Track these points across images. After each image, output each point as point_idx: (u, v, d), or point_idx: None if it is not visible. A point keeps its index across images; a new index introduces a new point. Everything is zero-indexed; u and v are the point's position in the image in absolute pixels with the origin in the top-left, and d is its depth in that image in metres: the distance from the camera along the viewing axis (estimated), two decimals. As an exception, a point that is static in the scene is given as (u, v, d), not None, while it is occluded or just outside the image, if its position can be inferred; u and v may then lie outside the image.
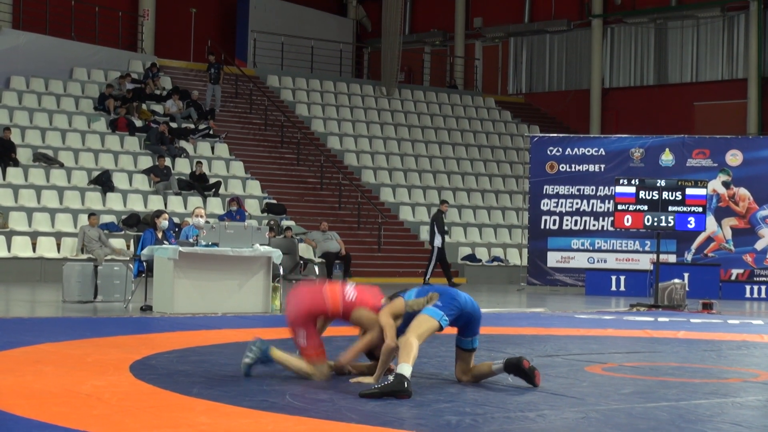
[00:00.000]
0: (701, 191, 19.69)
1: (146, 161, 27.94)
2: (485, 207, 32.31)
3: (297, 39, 37.60)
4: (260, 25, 37.98)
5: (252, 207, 27.88)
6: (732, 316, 17.53)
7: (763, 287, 23.62)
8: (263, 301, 15.55)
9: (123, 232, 24.81)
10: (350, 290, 8.69)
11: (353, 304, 8.61)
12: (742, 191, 24.40)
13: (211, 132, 30.73)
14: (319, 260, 25.73)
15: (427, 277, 24.89)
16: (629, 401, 7.71)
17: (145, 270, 15.90)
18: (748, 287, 23.70)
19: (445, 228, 25.82)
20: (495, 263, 29.27)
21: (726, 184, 24.52)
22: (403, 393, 7.48)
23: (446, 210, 26.25)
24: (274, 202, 28.61)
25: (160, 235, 16.43)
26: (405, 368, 7.62)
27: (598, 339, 12.79)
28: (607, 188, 24.68)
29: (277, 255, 15.64)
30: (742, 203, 24.41)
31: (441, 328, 8.15)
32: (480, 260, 29.30)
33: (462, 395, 7.75)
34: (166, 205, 26.30)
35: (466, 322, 8.42)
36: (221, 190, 27.96)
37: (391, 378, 7.62)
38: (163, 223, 16.53)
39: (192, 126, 30.60)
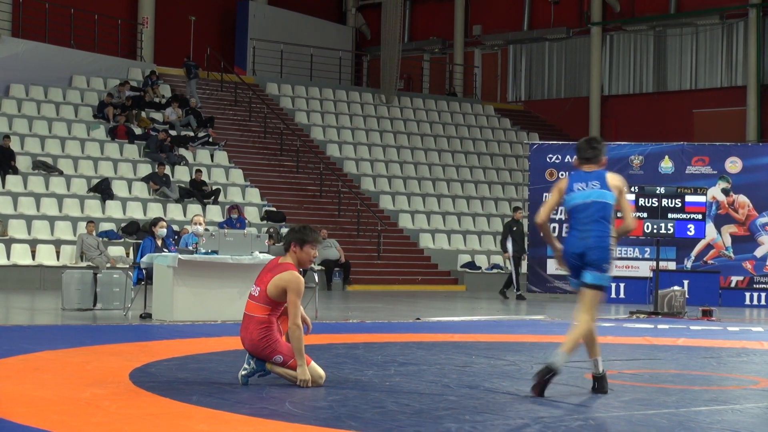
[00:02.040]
0: (701, 198, 19.70)
1: (145, 169, 27.94)
2: (485, 214, 32.31)
3: (296, 47, 37.63)
4: (259, 32, 38.00)
5: (251, 215, 27.89)
6: (732, 324, 17.52)
7: (763, 294, 23.61)
8: (263, 309, 15.51)
9: (122, 240, 24.81)
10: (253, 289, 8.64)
11: (262, 291, 8.49)
12: (742, 198, 24.39)
13: (210, 140, 30.74)
14: (319, 268, 25.75)
15: (515, 288, 24.46)
16: (629, 408, 7.70)
17: (144, 278, 15.89)
18: (747, 294, 23.69)
19: (524, 235, 24.85)
20: (494, 270, 29.26)
21: (725, 192, 24.52)
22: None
23: (520, 218, 25.01)
24: (274, 209, 28.61)
25: (159, 242, 16.42)
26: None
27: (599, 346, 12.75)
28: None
29: (276, 262, 15.61)
30: (742, 210, 24.40)
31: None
32: (479, 267, 29.29)
33: (461, 402, 7.75)
34: (165, 213, 26.30)
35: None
36: (220, 198, 27.97)
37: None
38: (161, 231, 16.52)
39: (191, 134, 30.61)
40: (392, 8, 37.11)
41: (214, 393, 7.93)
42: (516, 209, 25.32)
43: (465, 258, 29.46)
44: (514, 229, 24.44)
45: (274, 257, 9.01)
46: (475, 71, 42.42)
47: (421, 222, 30.92)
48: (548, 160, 25.65)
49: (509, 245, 24.33)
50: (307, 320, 8.83)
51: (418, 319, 16.95)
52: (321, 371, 8.53)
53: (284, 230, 26.90)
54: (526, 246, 24.74)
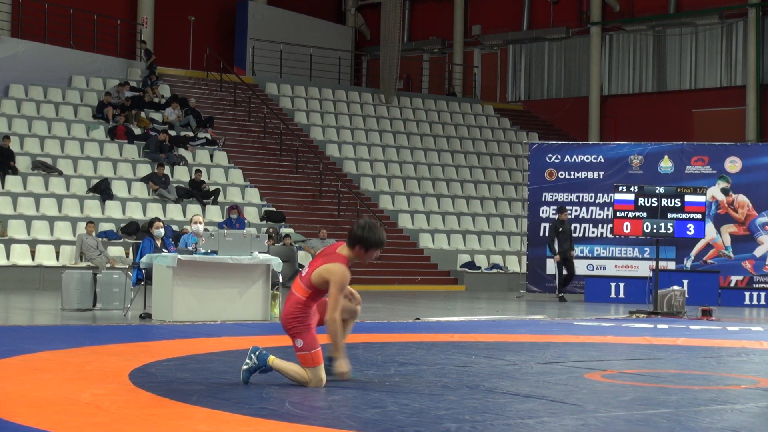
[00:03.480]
0: (700, 198, 19.71)
1: (145, 169, 27.94)
2: (484, 214, 32.32)
3: (295, 47, 37.64)
4: (259, 33, 38.01)
5: (251, 215, 27.89)
6: (731, 323, 17.52)
7: (763, 294, 23.61)
8: (262, 309, 15.54)
9: (122, 240, 24.81)
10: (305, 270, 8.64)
11: (308, 272, 8.50)
12: (741, 198, 24.40)
13: (209, 138, 30.74)
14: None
15: (558, 291, 24.24)
16: (629, 408, 7.70)
17: (144, 278, 15.89)
18: (747, 294, 23.69)
19: (570, 234, 24.24)
20: (494, 270, 29.27)
21: (725, 191, 24.53)
22: None
23: (566, 218, 24.23)
24: (273, 209, 28.61)
25: (159, 243, 16.42)
26: None
27: (597, 346, 12.79)
28: (606, 195, 24.68)
29: (276, 263, 15.64)
30: (741, 210, 24.41)
31: None
32: (479, 267, 29.29)
33: (461, 402, 7.74)
34: (164, 213, 26.31)
35: None
36: (220, 198, 27.97)
37: None
38: (158, 231, 16.51)
39: (191, 134, 30.60)
40: (392, 8, 37.11)
41: (214, 393, 7.93)
42: (561, 210, 24.44)
43: (465, 258, 29.46)
44: (560, 229, 24.08)
45: (333, 243, 9.01)
46: (475, 71, 42.43)
47: (420, 222, 30.92)
48: (548, 159, 25.66)
49: (556, 246, 24.04)
50: (355, 295, 8.89)
51: (418, 319, 16.95)
52: (324, 377, 8.42)
53: (284, 230, 26.92)
54: (572, 244, 24.28)
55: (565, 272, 24.01)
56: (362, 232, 8.62)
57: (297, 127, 33.75)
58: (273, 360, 8.52)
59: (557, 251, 23.86)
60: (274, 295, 15.74)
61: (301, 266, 18.44)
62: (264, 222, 27.79)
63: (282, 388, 8.28)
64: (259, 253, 15.43)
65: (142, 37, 34.83)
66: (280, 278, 16.01)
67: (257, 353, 8.53)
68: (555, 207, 25.19)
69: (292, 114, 34.52)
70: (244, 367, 8.52)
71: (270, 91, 35.39)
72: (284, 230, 27.06)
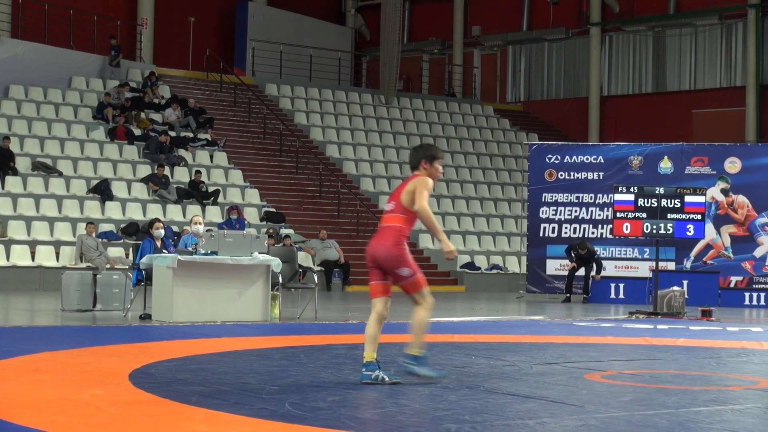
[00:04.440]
0: (700, 199, 19.71)
1: (145, 170, 27.95)
2: (484, 215, 32.32)
3: (295, 48, 37.64)
4: (259, 33, 38.01)
5: (251, 215, 27.89)
6: (731, 324, 17.52)
7: (762, 294, 23.61)
8: (262, 310, 15.54)
9: (122, 241, 24.81)
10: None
11: (396, 204, 8.88)
12: (741, 199, 24.40)
13: (209, 138, 30.75)
14: (318, 268, 25.75)
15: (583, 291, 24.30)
16: (628, 409, 7.70)
17: (144, 279, 15.89)
18: (747, 294, 23.69)
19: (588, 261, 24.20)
20: (494, 271, 29.27)
21: (725, 192, 24.53)
22: None
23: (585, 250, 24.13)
24: (273, 210, 28.62)
25: (158, 243, 16.42)
26: None
27: (597, 346, 12.79)
28: (605, 196, 24.67)
29: (276, 263, 15.64)
30: (741, 211, 24.40)
31: None
32: (479, 268, 29.30)
33: (461, 403, 7.75)
34: (164, 214, 26.31)
35: None
36: (220, 199, 27.97)
37: None
38: (158, 232, 16.51)
39: (190, 135, 30.61)
40: (391, 9, 37.11)
41: (214, 394, 7.93)
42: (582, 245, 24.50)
43: (464, 258, 29.47)
44: (576, 253, 24.11)
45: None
46: (475, 72, 42.43)
47: (420, 223, 30.84)
48: (547, 160, 25.66)
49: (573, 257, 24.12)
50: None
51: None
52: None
53: (284, 231, 26.92)
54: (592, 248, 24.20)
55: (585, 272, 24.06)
56: (421, 150, 9.06)
57: (297, 127, 33.76)
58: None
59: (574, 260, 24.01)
60: (274, 295, 15.74)
61: (301, 266, 18.42)
62: (264, 223, 27.80)
63: (282, 389, 8.28)
64: (259, 253, 15.43)
65: (142, 37, 34.85)
66: (280, 279, 16.01)
67: (380, 373, 8.64)
68: (554, 208, 25.24)
69: (292, 115, 34.53)
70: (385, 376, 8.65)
71: (270, 92, 35.39)
72: (284, 231, 27.06)
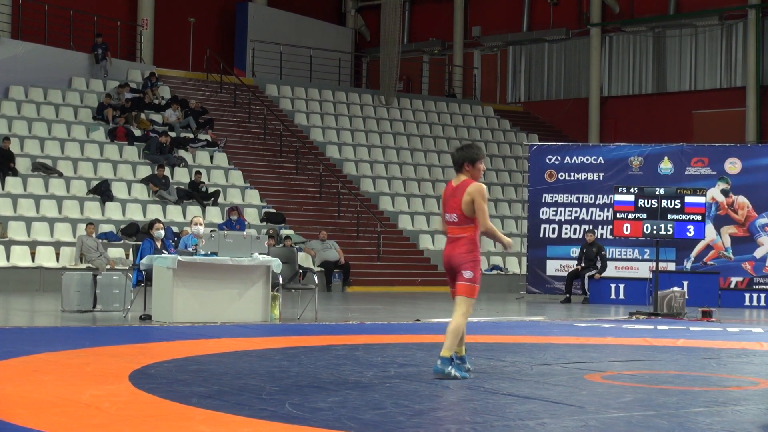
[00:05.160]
0: (700, 199, 19.71)
1: (145, 171, 27.95)
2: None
3: (296, 48, 37.65)
4: (259, 34, 38.02)
5: (251, 216, 27.89)
6: (731, 324, 17.52)
7: (763, 295, 23.60)
8: (262, 310, 15.54)
9: (122, 242, 24.81)
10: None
11: (459, 216, 9.22)
12: (741, 199, 24.40)
13: (209, 139, 30.75)
14: (318, 269, 25.75)
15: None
16: (629, 409, 7.70)
17: (144, 279, 15.89)
18: (747, 295, 23.67)
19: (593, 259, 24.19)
20: (494, 272, 29.27)
21: (725, 192, 24.53)
22: None
23: (592, 240, 24.20)
24: (273, 211, 28.62)
25: (159, 244, 16.42)
26: None
27: (597, 347, 12.79)
28: (605, 196, 24.68)
29: (276, 264, 15.64)
30: (741, 211, 24.40)
31: None
32: (479, 269, 29.26)
33: (462, 404, 7.75)
34: (164, 214, 26.31)
35: None
36: (220, 200, 27.97)
37: None
38: (158, 233, 16.51)
39: (191, 135, 30.61)
40: (391, 9, 37.12)
41: (214, 394, 7.93)
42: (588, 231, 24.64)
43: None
44: (584, 251, 24.14)
45: (449, 182, 9.53)
46: (475, 72, 42.44)
47: (420, 223, 30.92)
48: (548, 161, 25.66)
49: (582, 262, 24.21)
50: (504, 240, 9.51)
51: (418, 320, 16.95)
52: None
53: (284, 231, 26.92)
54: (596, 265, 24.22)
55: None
56: (463, 151, 9.38)
57: (297, 128, 33.76)
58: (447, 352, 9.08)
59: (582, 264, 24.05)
60: (274, 296, 15.74)
61: (301, 267, 18.41)
62: (264, 223, 27.80)
63: (283, 390, 8.28)
64: (259, 254, 15.43)
65: (142, 38, 34.87)
66: (280, 279, 16.00)
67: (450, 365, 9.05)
68: (554, 209, 25.26)
69: (292, 115, 34.53)
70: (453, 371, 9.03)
71: (270, 93, 35.40)
72: (284, 231, 27.06)
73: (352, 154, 33.48)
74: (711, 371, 10.45)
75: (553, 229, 25.46)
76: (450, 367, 9.04)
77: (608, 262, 24.39)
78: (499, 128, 38.58)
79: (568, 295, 23.92)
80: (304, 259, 25.29)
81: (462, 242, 9.20)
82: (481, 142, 36.70)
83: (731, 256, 24.47)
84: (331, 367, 9.78)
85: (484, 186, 9.21)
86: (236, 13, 39.25)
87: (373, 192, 31.73)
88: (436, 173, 33.84)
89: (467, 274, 9.13)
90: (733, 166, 24.67)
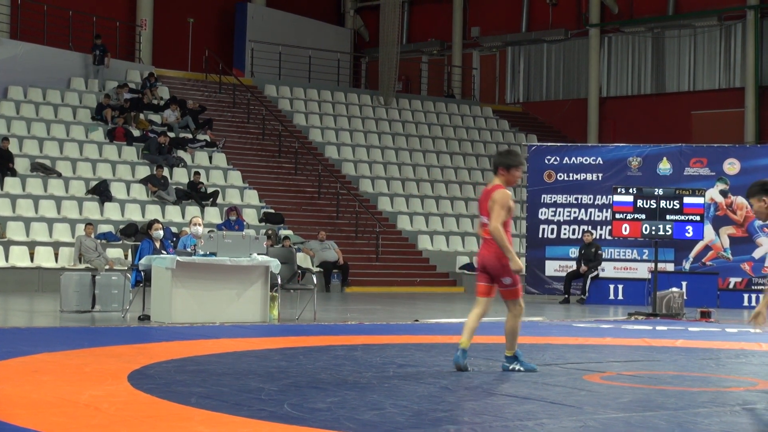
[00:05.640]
0: (699, 200, 19.71)
1: (144, 171, 27.95)
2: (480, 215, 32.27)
3: (295, 49, 37.64)
4: (258, 34, 38.02)
5: (250, 216, 27.89)
6: (730, 325, 17.53)
7: (761, 296, 23.56)
8: (261, 311, 15.54)
9: (121, 242, 24.81)
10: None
11: (488, 217, 9.73)
12: (740, 200, 24.38)
13: (208, 140, 30.75)
14: (317, 269, 25.75)
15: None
16: (627, 410, 7.71)
17: (143, 280, 15.89)
18: (746, 296, 23.67)
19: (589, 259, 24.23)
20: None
21: (724, 193, 24.53)
22: None
23: (589, 241, 24.29)
24: (272, 211, 28.62)
25: (157, 244, 16.42)
26: None
27: (596, 348, 12.80)
28: (604, 197, 24.67)
29: (275, 264, 15.64)
30: (740, 212, 24.40)
31: None
32: (474, 269, 29.26)
33: (460, 404, 7.75)
34: (163, 215, 26.31)
35: None
36: (219, 200, 27.97)
37: None
38: (157, 233, 16.52)
39: (189, 135, 30.61)
40: (390, 10, 37.11)
41: (213, 395, 7.93)
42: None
43: (463, 259, 29.46)
44: (583, 251, 24.22)
45: (486, 186, 10.04)
46: (474, 73, 42.44)
47: (419, 224, 30.93)
48: (546, 161, 25.66)
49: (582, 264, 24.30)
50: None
51: (417, 320, 16.96)
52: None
53: (282, 232, 26.92)
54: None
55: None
56: (500, 157, 10.00)
57: (296, 128, 33.76)
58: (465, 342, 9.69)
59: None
60: (272, 296, 15.74)
61: (300, 268, 18.42)
62: (263, 224, 27.80)
63: (281, 389, 8.28)
64: (258, 254, 15.44)
65: (141, 38, 34.87)
66: (279, 280, 16.00)
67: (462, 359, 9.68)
68: (553, 209, 25.27)
69: (291, 116, 34.53)
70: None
71: (269, 93, 35.40)
72: (283, 232, 27.06)
73: (351, 154, 33.48)
74: (710, 372, 10.46)
75: (552, 229, 25.46)
76: (514, 363, 9.79)
77: (607, 263, 24.40)
78: (498, 129, 38.58)
79: (566, 296, 23.93)
80: (302, 260, 25.29)
81: (493, 244, 9.65)
82: (479, 143, 36.72)
83: (730, 256, 24.47)
84: (330, 368, 9.79)
85: (510, 193, 9.72)
86: (235, 14, 39.26)
87: (371, 192, 31.73)
88: (434, 174, 33.84)
89: (506, 280, 9.69)
90: (731, 166, 24.67)
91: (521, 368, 9.74)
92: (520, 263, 9.66)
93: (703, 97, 37.24)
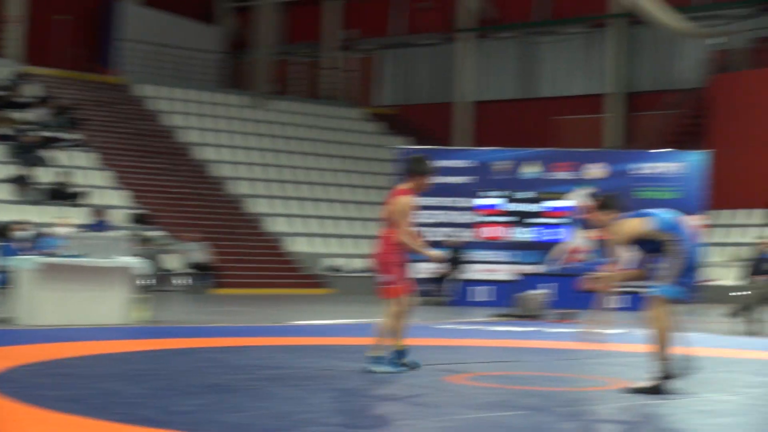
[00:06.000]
0: (563, 203, 20.10)
1: (11, 171, 27.39)
2: (352, 218, 32.46)
3: (168, 48, 37.27)
4: (131, 33, 37.52)
5: (118, 217, 27.54)
6: (590, 326, 17.84)
7: (623, 297, 24.09)
8: (126, 313, 15.39)
9: (-16, 242, 24.30)
10: None
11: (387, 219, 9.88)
12: (603, 204, 24.89)
13: (79, 139, 30.29)
14: (185, 271, 25.58)
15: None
16: (488, 410, 7.85)
17: (5, 281, 15.60)
18: (609, 297, 24.12)
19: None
20: (359, 274, 29.39)
21: (587, 197, 24.99)
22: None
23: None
24: (141, 212, 28.33)
25: (21, 245, 16.16)
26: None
27: (460, 349, 12.97)
28: (472, 200, 24.99)
29: (141, 266, 15.52)
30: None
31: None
32: (345, 271, 29.40)
33: (323, 406, 7.80)
34: (30, 215, 25.82)
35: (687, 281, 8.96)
36: (87, 200, 27.58)
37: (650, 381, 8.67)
38: (19, 233, 16.26)
39: (60, 135, 30.10)
40: (265, 11, 37.01)
41: (76, 398, 7.86)
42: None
43: (330, 261, 29.57)
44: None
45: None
46: (347, 75, 42.55)
47: (287, 225, 30.92)
48: (416, 164, 25.82)
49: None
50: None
51: (283, 322, 16.98)
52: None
53: (150, 233, 26.66)
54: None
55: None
56: (413, 163, 10.13)
57: (167, 129, 33.45)
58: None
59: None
60: (138, 298, 15.62)
61: (167, 269, 18.31)
62: (131, 224, 27.49)
63: (144, 392, 8.24)
64: (124, 256, 15.30)
65: (11, 35, 34.13)
66: (146, 281, 15.87)
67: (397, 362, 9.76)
68: (422, 211, 25.49)
69: (163, 116, 34.19)
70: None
71: (141, 93, 34.97)
72: (151, 233, 26.81)
73: (222, 155, 33.31)
74: (570, 372, 10.72)
75: (419, 232, 25.65)
76: (386, 365, 9.75)
77: (472, 265, 24.71)
78: (369, 131, 38.76)
79: (431, 298, 24.15)
80: (170, 261, 25.10)
81: (384, 242, 9.87)
82: (352, 145, 36.82)
83: (593, 259, 24.97)
84: (194, 370, 9.77)
85: (410, 200, 9.84)
86: (108, 12, 38.65)
87: (242, 194, 31.62)
88: (306, 176, 33.86)
89: (385, 279, 9.82)
90: (594, 171, 25.22)
91: (392, 369, 9.74)
92: (437, 254, 10.18)
93: (569, 103, 37.99)
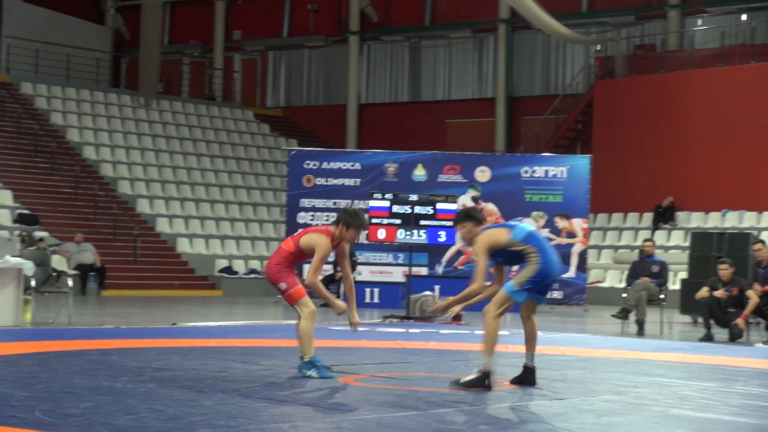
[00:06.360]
0: (452, 206, 20.30)
1: None
2: (243, 219, 32.37)
3: (52, 46, 36.73)
4: (13, 30, 36.90)
5: (3, 217, 27.09)
6: (479, 327, 18.07)
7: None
8: (13, 315, 15.15)
9: None
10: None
11: (299, 235, 9.95)
12: (490, 206, 25.28)
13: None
14: (73, 272, 25.23)
15: None
16: (380, 411, 7.93)
17: None
18: (495, 299, 24.44)
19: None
20: (252, 276, 29.36)
21: (475, 200, 25.36)
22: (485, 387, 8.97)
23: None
24: (27, 212, 27.88)
25: None
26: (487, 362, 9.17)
27: (351, 350, 13.04)
28: (362, 202, 25.11)
29: (28, 267, 15.29)
30: (490, 218, 25.25)
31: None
32: (237, 272, 29.32)
33: (216, 408, 7.81)
34: None
35: (541, 288, 9.40)
36: (-31, 200, 27.07)
37: (474, 374, 9.11)
38: None
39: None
40: (152, 10, 36.67)
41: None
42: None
43: (222, 263, 29.45)
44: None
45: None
46: (235, 76, 42.44)
47: (178, 226, 30.71)
48: (305, 166, 25.93)
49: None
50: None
51: (175, 324, 16.89)
52: (312, 303, 9.99)
53: (37, 234, 26.26)
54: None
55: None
56: (345, 214, 10.13)
57: (53, 128, 32.98)
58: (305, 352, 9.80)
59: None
60: (26, 300, 15.39)
61: (55, 270, 18.04)
62: (17, 225, 27.04)
63: (32, 395, 8.16)
64: (11, 257, 15.06)
65: None
66: (33, 283, 15.65)
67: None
68: (312, 213, 25.54)
69: (47, 114, 33.69)
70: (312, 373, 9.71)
71: (25, 91, 34.42)
72: (38, 233, 26.38)
73: (110, 155, 32.95)
74: (459, 372, 10.84)
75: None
76: (311, 370, 9.80)
77: (363, 267, 24.83)
78: (258, 132, 38.68)
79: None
80: (58, 262, 24.73)
81: (279, 254, 9.94)
82: (240, 146, 36.70)
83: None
84: (84, 373, 9.68)
85: (330, 248, 10.04)
86: (-11, 8, 38.00)
87: (130, 194, 31.33)
88: (195, 176, 33.66)
89: (282, 285, 9.80)
90: (482, 174, 25.56)
91: (317, 375, 9.70)
92: (341, 304, 10.34)
93: (457, 107, 38.40)
